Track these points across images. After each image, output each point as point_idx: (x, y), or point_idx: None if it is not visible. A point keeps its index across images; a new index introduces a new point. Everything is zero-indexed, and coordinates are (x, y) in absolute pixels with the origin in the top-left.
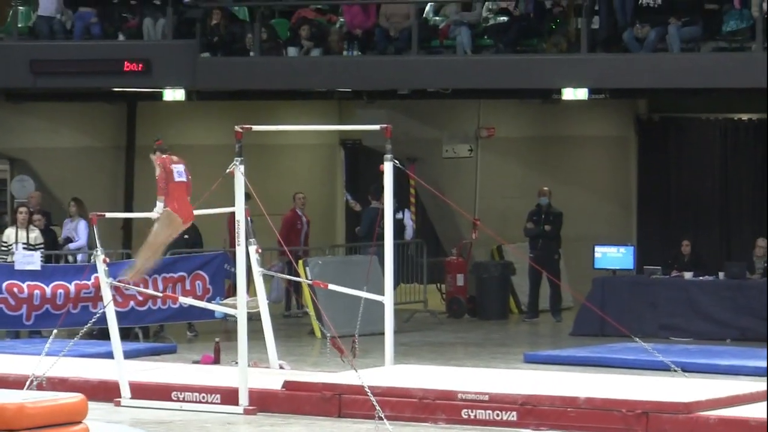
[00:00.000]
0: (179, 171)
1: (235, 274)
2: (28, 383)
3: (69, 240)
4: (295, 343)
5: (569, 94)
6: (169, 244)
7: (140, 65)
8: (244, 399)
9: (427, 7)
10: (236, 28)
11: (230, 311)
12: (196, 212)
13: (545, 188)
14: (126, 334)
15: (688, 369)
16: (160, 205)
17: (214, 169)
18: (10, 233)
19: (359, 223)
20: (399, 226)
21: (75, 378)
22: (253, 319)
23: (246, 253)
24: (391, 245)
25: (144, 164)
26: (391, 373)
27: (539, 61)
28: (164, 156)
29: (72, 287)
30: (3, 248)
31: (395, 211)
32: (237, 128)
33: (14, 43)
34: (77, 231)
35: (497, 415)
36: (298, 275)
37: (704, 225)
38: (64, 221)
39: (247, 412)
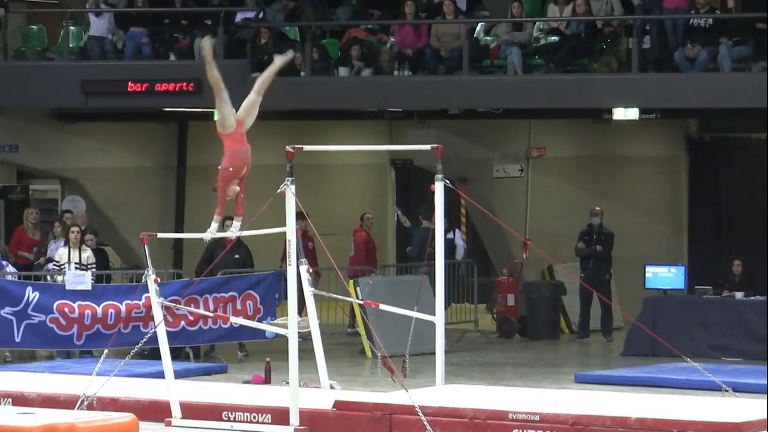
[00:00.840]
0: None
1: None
2: (79, 403)
3: (50, 260)
4: (345, 362)
5: (620, 113)
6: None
7: (191, 85)
8: (294, 419)
9: (478, 27)
10: (287, 48)
11: (281, 331)
12: (246, 233)
13: (597, 208)
14: (177, 354)
15: (739, 389)
16: (214, 225)
17: (265, 189)
18: (62, 253)
19: (410, 243)
20: (450, 246)
21: (126, 398)
22: (305, 339)
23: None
24: (442, 265)
25: (194, 184)
26: (442, 392)
27: (590, 81)
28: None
29: (123, 307)
30: (55, 267)
31: (446, 231)
32: (288, 148)
33: (65, 63)
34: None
35: None
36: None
37: (756, 244)
38: (50, 242)
39: (297, 431)
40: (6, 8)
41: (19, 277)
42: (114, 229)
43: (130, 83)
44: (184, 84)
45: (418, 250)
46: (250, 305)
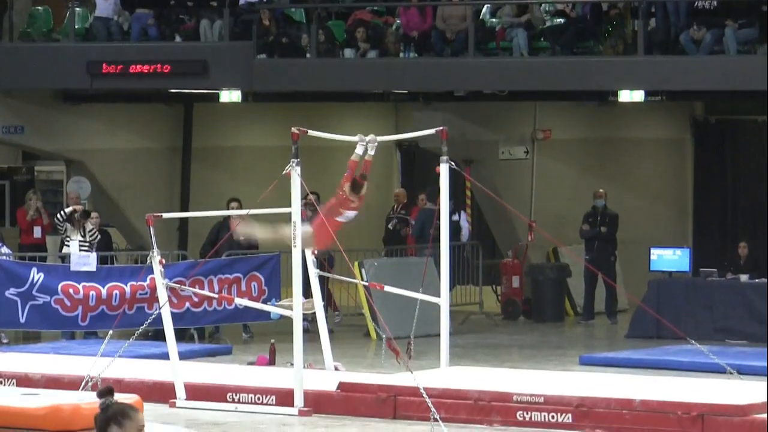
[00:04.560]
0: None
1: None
2: (83, 384)
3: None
4: (350, 344)
5: (625, 96)
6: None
7: (197, 67)
8: (299, 400)
9: (484, 9)
10: (292, 30)
11: (286, 312)
12: (253, 211)
13: (601, 190)
14: (181, 336)
15: (743, 371)
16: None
17: (271, 170)
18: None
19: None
20: (455, 228)
21: (130, 379)
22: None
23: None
24: (447, 247)
25: (199, 166)
26: (447, 374)
27: (596, 64)
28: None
29: (127, 288)
30: (67, 243)
31: (451, 213)
32: (293, 130)
33: (71, 44)
34: None
35: (552, 417)
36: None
37: (761, 227)
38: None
39: (301, 413)
40: None
41: (23, 258)
42: (119, 210)
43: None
44: (190, 65)
45: (419, 231)
46: (255, 286)
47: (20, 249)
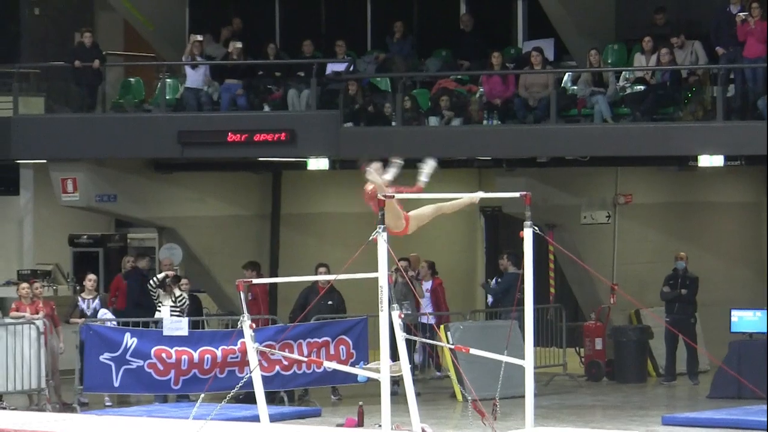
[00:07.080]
0: None
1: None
2: None
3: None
4: (436, 406)
5: (705, 161)
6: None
7: (285, 135)
8: None
9: (565, 77)
10: (378, 99)
11: (373, 375)
12: (341, 277)
13: (682, 253)
14: (272, 398)
15: None
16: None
17: (357, 236)
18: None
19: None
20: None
21: None
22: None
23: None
24: (532, 310)
25: (288, 232)
26: None
27: (676, 129)
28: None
29: (219, 352)
30: (159, 308)
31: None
32: (380, 196)
33: (162, 114)
34: None
35: None
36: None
37: None
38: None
39: None
40: (103, 61)
41: (118, 324)
42: (210, 275)
43: (229, 134)
44: (278, 134)
45: (502, 294)
46: (344, 350)
47: (116, 314)
